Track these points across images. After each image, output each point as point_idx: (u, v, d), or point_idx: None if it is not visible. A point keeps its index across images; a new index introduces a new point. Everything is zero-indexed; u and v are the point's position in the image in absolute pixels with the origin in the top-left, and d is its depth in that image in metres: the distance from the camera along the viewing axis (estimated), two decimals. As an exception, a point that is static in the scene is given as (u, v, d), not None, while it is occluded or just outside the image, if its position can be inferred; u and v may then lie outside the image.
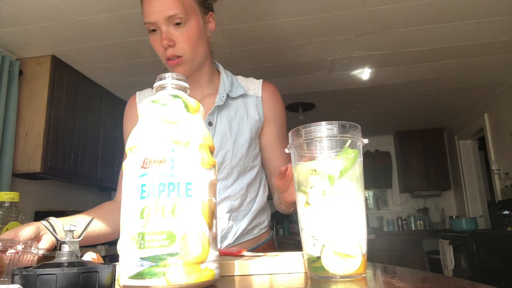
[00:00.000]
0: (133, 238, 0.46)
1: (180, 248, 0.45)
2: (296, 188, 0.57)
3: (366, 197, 4.31)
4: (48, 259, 0.48)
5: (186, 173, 0.48)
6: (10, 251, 0.54)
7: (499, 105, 4.24)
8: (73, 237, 0.45)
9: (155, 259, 0.44)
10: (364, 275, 0.52)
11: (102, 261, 0.57)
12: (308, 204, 0.54)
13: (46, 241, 0.76)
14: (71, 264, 0.41)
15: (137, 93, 1.11)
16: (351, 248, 0.51)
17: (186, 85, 0.55)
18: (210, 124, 1.01)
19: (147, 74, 3.39)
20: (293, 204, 0.83)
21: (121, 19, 2.55)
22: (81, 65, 3.22)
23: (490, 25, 2.78)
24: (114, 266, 0.44)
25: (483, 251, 3.41)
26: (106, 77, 3.48)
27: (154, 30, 0.95)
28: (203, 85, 1.06)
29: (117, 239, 0.53)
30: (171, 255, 0.44)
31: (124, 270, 0.46)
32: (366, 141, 0.56)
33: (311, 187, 0.53)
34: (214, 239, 0.50)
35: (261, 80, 1.10)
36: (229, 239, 1.01)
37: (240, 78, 1.11)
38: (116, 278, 0.46)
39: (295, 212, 0.59)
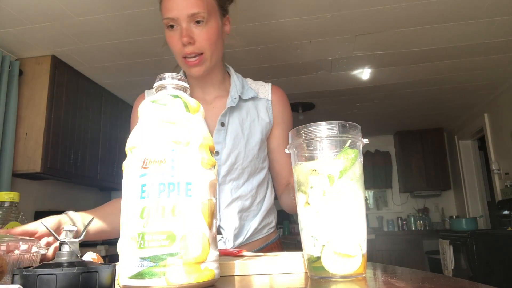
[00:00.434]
0: (133, 238, 0.46)
1: (180, 248, 0.45)
2: (296, 188, 0.57)
3: (366, 197, 4.31)
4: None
5: (186, 173, 0.48)
6: (16, 252, 0.54)
7: (499, 105, 4.24)
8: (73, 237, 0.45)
9: (155, 259, 0.44)
10: (364, 275, 0.52)
11: (102, 261, 0.57)
12: (308, 204, 0.54)
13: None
14: (71, 264, 0.41)
15: (146, 91, 1.12)
16: (351, 248, 0.51)
17: (186, 85, 0.55)
18: (222, 124, 1.02)
19: (147, 74, 3.39)
20: None
21: (121, 19, 2.55)
22: (81, 65, 3.22)
23: (490, 25, 2.78)
24: (114, 266, 0.44)
25: (483, 251, 3.41)
26: (106, 77, 3.48)
27: (172, 26, 0.94)
28: (215, 86, 1.08)
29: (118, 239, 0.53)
30: (171, 255, 0.44)
31: (124, 270, 0.46)
32: (366, 141, 0.56)
33: (311, 187, 0.53)
34: (214, 239, 0.50)
35: (270, 84, 1.12)
36: (241, 238, 1.03)
37: (249, 81, 1.13)
38: (116, 278, 0.46)
39: (295, 212, 0.59)
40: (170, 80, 0.54)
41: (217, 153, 1.01)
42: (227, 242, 1.00)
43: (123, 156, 0.52)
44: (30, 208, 3.05)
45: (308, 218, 0.54)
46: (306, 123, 0.55)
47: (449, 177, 5.62)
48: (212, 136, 1.00)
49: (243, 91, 1.06)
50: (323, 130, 0.54)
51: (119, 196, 0.65)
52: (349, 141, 0.54)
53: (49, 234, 0.74)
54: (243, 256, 0.72)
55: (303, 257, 0.57)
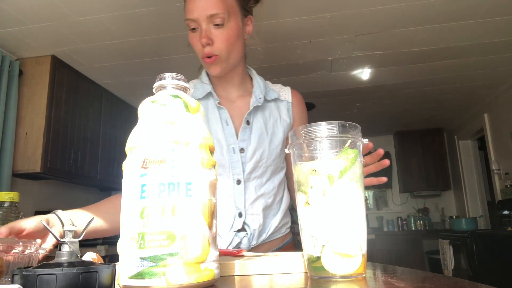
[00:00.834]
0: (133, 238, 0.46)
1: (180, 248, 0.45)
2: (296, 188, 0.57)
3: (366, 197, 4.31)
4: (50, 258, 0.48)
5: (186, 173, 0.48)
6: (14, 250, 0.54)
7: (499, 105, 4.24)
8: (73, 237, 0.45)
9: (155, 259, 0.44)
10: (364, 275, 0.52)
11: (102, 261, 0.57)
12: (308, 204, 0.54)
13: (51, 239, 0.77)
14: (71, 264, 0.41)
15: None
16: (351, 248, 0.51)
17: (186, 85, 0.55)
18: (247, 123, 1.05)
19: (147, 74, 3.39)
20: None
21: (121, 19, 2.55)
22: (81, 65, 3.22)
23: (490, 25, 2.78)
24: (114, 266, 0.44)
25: (483, 251, 3.41)
26: (106, 77, 3.47)
27: (194, 29, 0.97)
28: (235, 86, 1.10)
29: (118, 239, 0.53)
30: (171, 255, 0.44)
31: (124, 270, 0.46)
32: (366, 141, 0.56)
33: (311, 187, 0.53)
34: (214, 239, 0.50)
35: (289, 87, 1.16)
36: (264, 236, 1.05)
37: (269, 83, 1.16)
38: (116, 278, 0.46)
39: (295, 212, 0.59)
40: (170, 80, 0.54)
41: (242, 150, 1.03)
42: (251, 239, 1.02)
43: (123, 156, 0.52)
44: (30, 208, 3.05)
45: (308, 218, 0.54)
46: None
47: (449, 177, 5.62)
48: (237, 134, 1.03)
49: (266, 92, 1.10)
50: (323, 130, 0.54)
51: (119, 196, 0.65)
52: (349, 141, 0.54)
53: (37, 232, 0.73)
54: (243, 256, 0.72)
55: (303, 257, 0.57)
